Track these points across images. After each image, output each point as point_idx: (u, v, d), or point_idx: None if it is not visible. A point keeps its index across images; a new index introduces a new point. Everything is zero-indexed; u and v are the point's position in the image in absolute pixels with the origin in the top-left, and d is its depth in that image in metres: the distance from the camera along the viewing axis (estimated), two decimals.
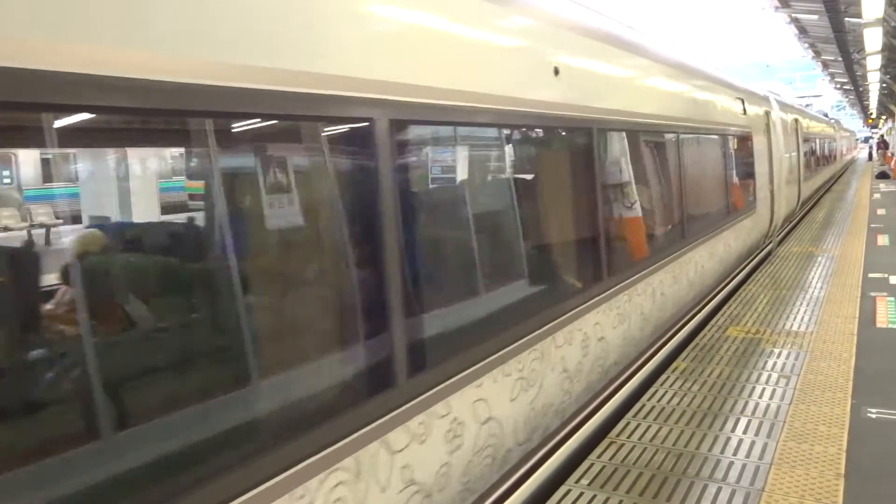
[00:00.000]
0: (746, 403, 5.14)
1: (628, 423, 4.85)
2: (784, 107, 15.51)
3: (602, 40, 5.35)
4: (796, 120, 17.23)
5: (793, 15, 23.29)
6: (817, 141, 23.97)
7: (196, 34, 2.06)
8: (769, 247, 13.05)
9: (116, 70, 1.79)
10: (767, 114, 12.39)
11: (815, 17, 22.21)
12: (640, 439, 4.59)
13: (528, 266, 4.19)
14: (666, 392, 5.43)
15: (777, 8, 22.11)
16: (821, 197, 23.67)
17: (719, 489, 3.91)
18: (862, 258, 10.84)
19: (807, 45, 30.63)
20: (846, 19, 19.97)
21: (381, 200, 2.77)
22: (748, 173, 10.80)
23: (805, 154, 18.80)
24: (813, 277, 9.57)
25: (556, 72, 4.33)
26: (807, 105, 37.08)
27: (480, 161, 4.74)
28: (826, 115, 42.05)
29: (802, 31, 26.82)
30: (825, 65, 38.73)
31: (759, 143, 11.26)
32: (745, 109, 10.49)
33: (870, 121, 64.72)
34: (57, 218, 3.03)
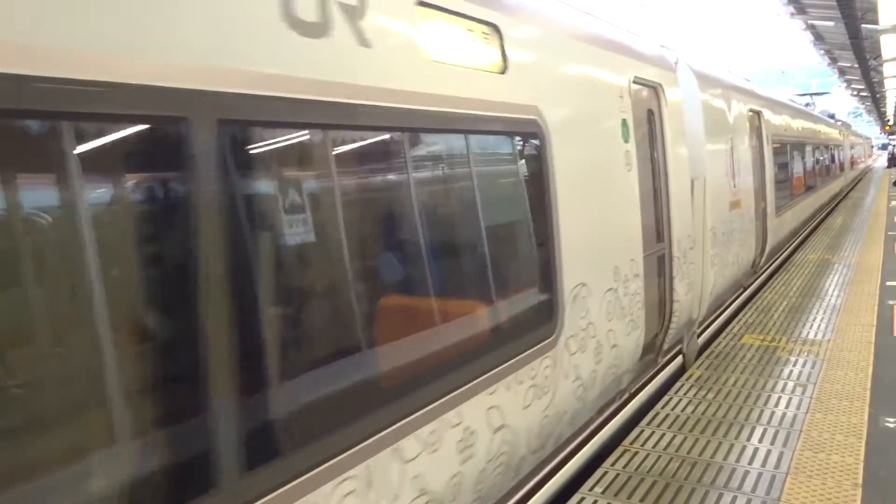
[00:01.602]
0: (762, 412, 5.10)
1: (642, 431, 4.83)
2: (716, 86, 8.21)
3: None
4: (757, 114, 10.27)
5: (809, 21, 23.20)
6: (808, 149, 16.71)
7: None
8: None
9: None
10: (656, 90, 5.90)
11: (832, 23, 22.11)
12: (654, 447, 4.57)
13: None
14: (681, 400, 5.41)
15: (793, 14, 22.03)
16: (822, 219, 18.75)
17: (734, 498, 3.88)
18: (880, 266, 10.72)
19: (823, 51, 30.49)
20: (863, 26, 19.86)
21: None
22: (504, 251, 4.04)
23: (781, 170, 12.37)
24: (829, 285, 9.48)
25: None
26: (807, 104, 28.85)
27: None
28: (832, 117, 33.38)
29: (818, 37, 26.70)
30: (841, 71, 38.51)
31: (580, 159, 4.45)
32: (505, 62, 3.74)
33: (887, 127, 64.16)
34: None
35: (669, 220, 5.98)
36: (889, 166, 50.22)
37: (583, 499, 3.93)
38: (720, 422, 4.95)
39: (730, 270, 8.10)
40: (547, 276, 3.99)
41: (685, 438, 4.69)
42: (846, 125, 39.60)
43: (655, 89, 5.88)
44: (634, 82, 5.34)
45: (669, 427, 4.89)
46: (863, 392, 5.41)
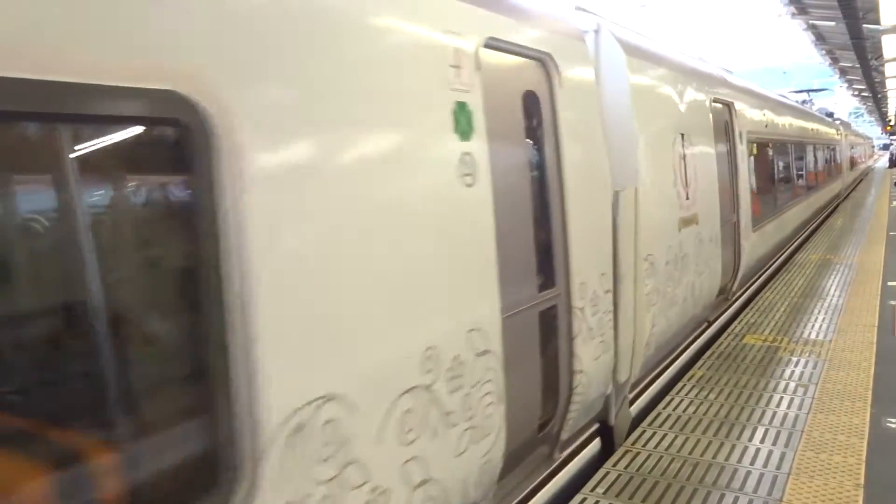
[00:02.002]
0: (764, 412, 5.09)
1: (644, 432, 4.82)
2: (660, 66, 6.28)
3: None
4: (728, 107, 8.32)
5: (810, 22, 23.19)
6: (798, 149, 14.76)
7: None
8: None
9: None
10: (544, 64, 4.12)
11: (833, 23, 22.10)
12: (655, 448, 4.56)
13: None
14: (682, 400, 5.40)
15: (794, 15, 22.03)
16: (819, 225, 17.15)
17: (736, 499, 3.87)
18: (881, 266, 10.71)
19: (824, 51, 30.48)
20: (864, 26, 19.84)
21: None
22: None
23: (763, 174, 10.67)
24: (831, 286, 9.47)
25: None
26: (804, 102, 27.35)
27: None
28: (831, 115, 30.62)
29: (820, 37, 26.69)
30: (843, 71, 38.50)
31: (320, 168, 2.43)
32: None
33: (888, 127, 64.13)
34: None
35: (566, 254, 4.06)
36: (890, 166, 50.20)
37: (584, 499, 3.93)
38: (722, 422, 4.94)
39: (681, 308, 6.00)
40: (208, 395, 2.06)
41: (687, 439, 4.68)
42: (845, 124, 36.86)
43: (542, 62, 4.01)
44: (490, 47, 3.43)
45: (671, 427, 4.88)
46: (864, 392, 5.40)
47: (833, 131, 23.44)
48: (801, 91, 34.38)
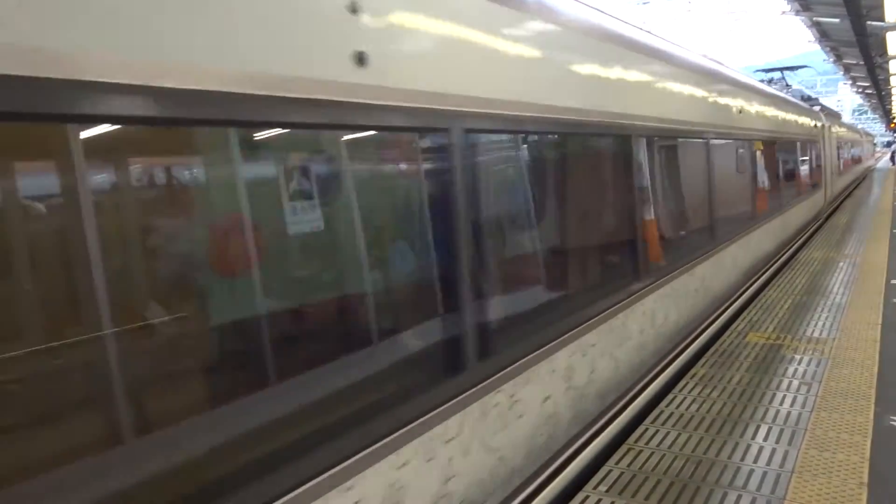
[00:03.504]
0: (767, 410, 5.08)
1: (647, 430, 4.82)
2: None
3: None
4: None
5: (814, 18, 23.12)
6: (707, 152, 7.55)
7: None
8: None
9: None
10: None
11: (837, 20, 22.03)
12: (658, 446, 4.55)
13: None
14: (685, 398, 5.39)
15: (798, 11, 21.96)
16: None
17: (739, 497, 3.87)
18: (885, 264, 10.68)
19: (828, 48, 30.39)
20: (868, 23, 19.77)
21: None
22: None
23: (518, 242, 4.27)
24: (834, 283, 9.45)
25: None
26: (770, 81, 21.49)
27: None
28: (810, 99, 22.12)
29: (823, 34, 26.61)
30: (846, 68, 38.38)
31: None
32: None
33: (892, 125, 63.96)
34: None
35: None
36: (894, 164, 50.11)
37: (587, 497, 3.92)
38: (725, 420, 4.93)
39: None
40: None
41: (690, 437, 4.68)
42: (832, 114, 26.04)
43: None
44: None
45: (674, 425, 4.88)
46: (868, 391, 5.39)
47: (808, 121, 16.23)
48: (771, 70, 24.48)
